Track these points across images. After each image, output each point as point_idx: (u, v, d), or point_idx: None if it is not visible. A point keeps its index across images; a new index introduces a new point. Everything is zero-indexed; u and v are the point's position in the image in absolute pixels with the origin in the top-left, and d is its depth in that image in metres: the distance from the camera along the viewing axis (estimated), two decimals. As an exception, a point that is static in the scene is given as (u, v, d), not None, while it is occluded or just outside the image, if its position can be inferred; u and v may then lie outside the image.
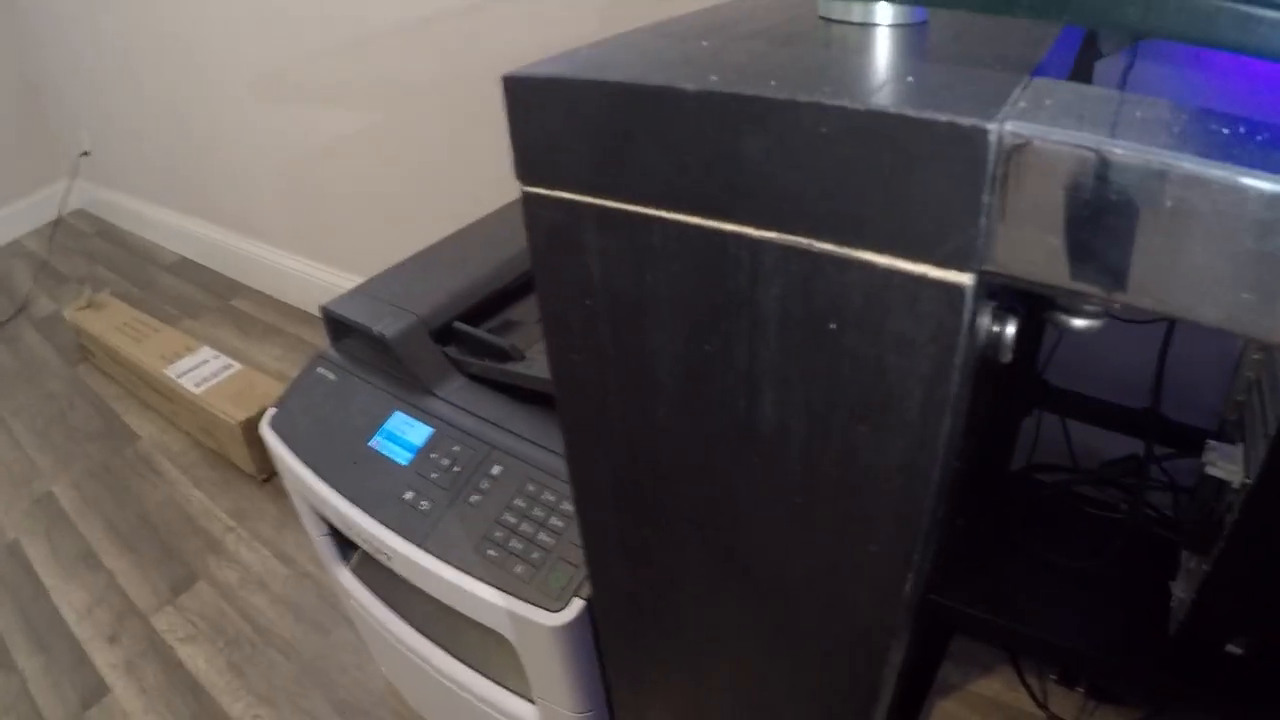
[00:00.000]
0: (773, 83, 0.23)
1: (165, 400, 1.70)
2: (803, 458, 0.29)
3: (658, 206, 0.26)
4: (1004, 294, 0.25)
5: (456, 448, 0.72)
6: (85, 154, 2.78)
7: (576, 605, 0.59)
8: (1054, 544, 0.95)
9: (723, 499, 0.32)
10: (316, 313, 2.05)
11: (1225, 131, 0.21)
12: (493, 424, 0.75)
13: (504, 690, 0.76)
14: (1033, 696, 1.08)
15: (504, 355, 0.79)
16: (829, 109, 0.22)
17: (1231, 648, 0.76)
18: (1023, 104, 0.22)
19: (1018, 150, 0.21)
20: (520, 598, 0.61)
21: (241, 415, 1.47)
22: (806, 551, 0.32)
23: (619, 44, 0.29)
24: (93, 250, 2.69)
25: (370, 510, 0.70)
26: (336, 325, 0.87)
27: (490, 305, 0.88)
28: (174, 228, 2.51)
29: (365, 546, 0.73)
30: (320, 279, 2.00)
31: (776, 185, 0.24)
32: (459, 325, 0.83)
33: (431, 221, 1.60)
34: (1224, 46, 0.21)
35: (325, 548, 0.89)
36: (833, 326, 0.25)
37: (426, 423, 0.75)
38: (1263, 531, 0.66)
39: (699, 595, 0.38)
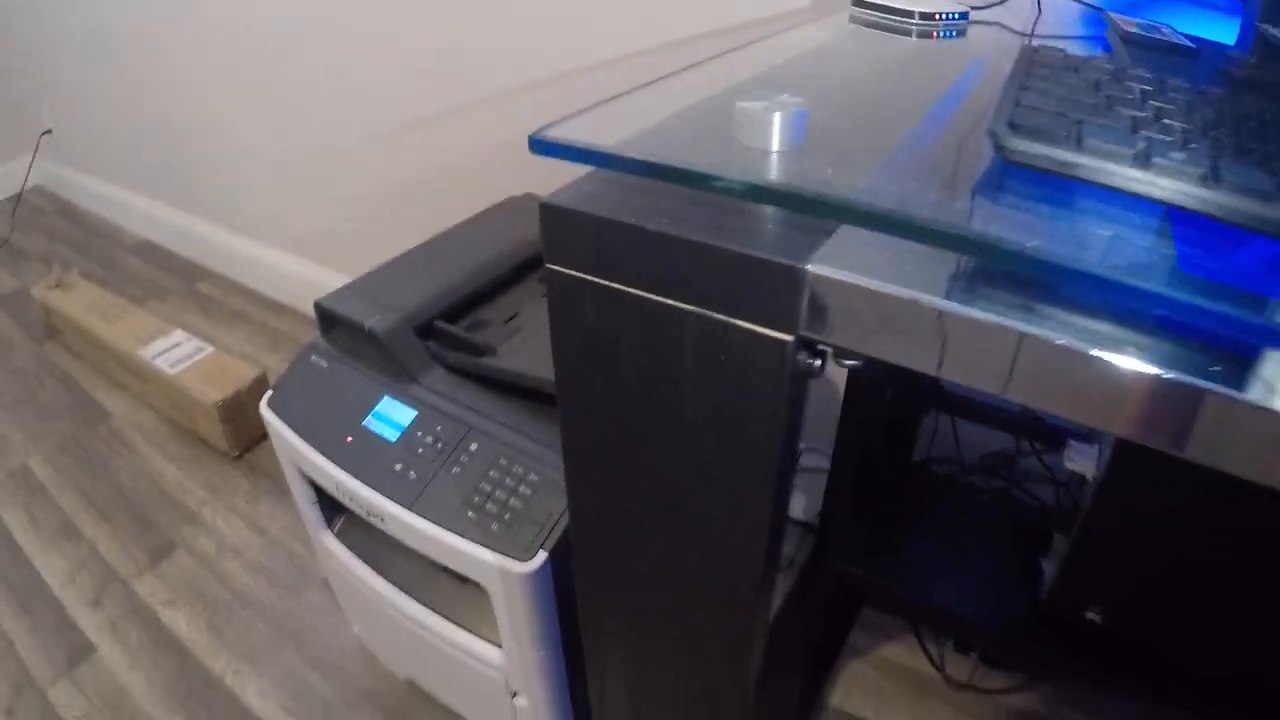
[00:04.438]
0: (696, 229, 0.38)
1: (138, 380, 1.78)
2: (710, 431, 0.43)
3: (628, 285, 0.41)
4: (812, 344, 0.40)
5: (439, 427, 0.85)
6: (47, 132, 2.81)
7: (542, 556, 0.73)
8: (948, 528, 1.11)
9: (666, 461, 0.47)
10: (284, 300, 2.16)
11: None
12: (469, 408, 0.87)
13: (474, 637, 0.89)
14: (931, 661, 1.23)
15: (478, 351, 0.92)
16: (724, 250, 0.37)
17: (1091, 615, 0.92)
18: (824, 250, 0.36)
19: (814, 278, 0.35)
20: (497, 550, 0.74)
21: (217, 395, 1.57)
22: (714, 494, 0.46)
23: (599, 186, 0.43)
24: (53, 229, 2.72)
25: (366, 480, 0.83)
26: (328, 318, 0.99)
27: (464, 305, 1.00)
28: (138, 210, 2.57)
29: (360, 511, 0.85)
30: (289, 269, 2.09)
31: (695, 282, 0.39)
32: (439, 323, 0.95)
33: (403, 224, 1.71)
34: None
35: (313, 514, 1.00)
36: (723, 358, 0.40)
37: (412, 405, 0.88)
38: (1110, 517, 0.82)
39: (646, 531, 0.53)
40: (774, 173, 0.36)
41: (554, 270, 0.42)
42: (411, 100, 1.51)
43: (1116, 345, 0.29)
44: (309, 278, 2.04)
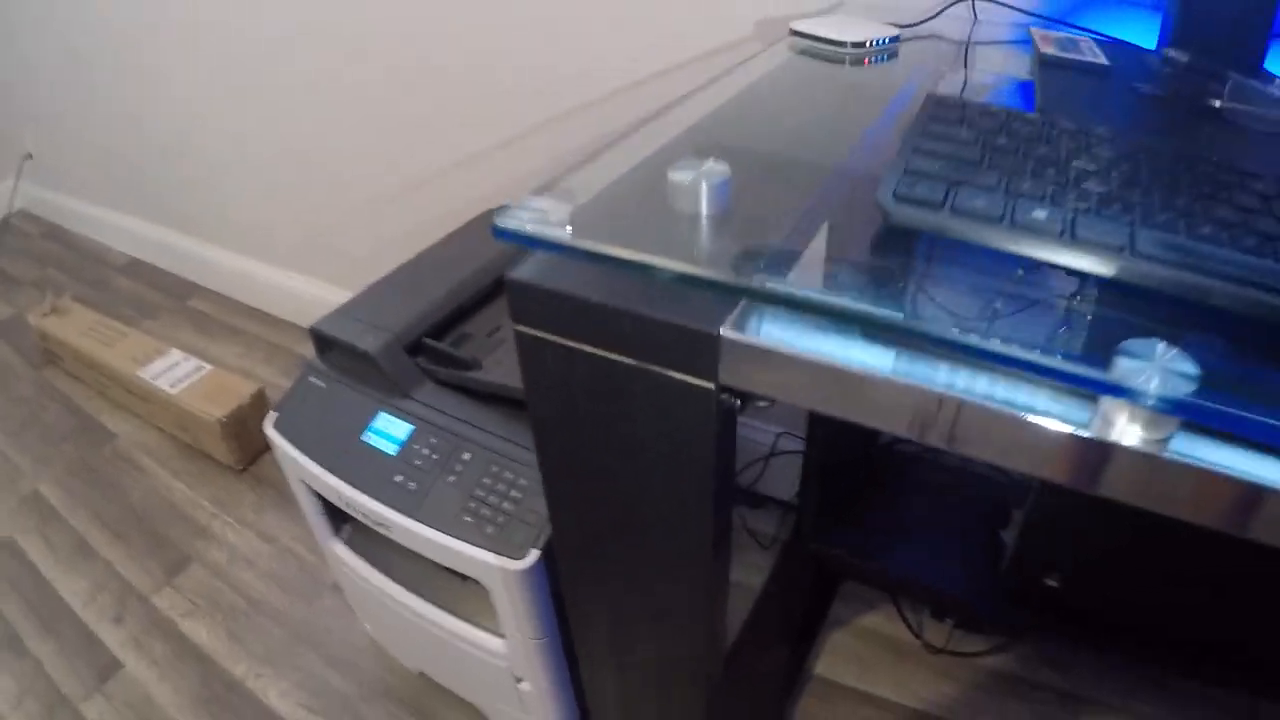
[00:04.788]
0: (632, 299, 0.44)
1: (140, 400, 1.84)
2: (658, 458, 0.51)
3: (581, 344, 0.48)
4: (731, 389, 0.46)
5: (434, 440, 0.92)
6: (29, 156, 2.84)
7: (534, 554, 0.81)
8: (915, 504, 1.18)
9: (624, 482, 0.55)
10: (275, 312, 2.21)
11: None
12: (460, 420, 0.94)
13: (478, 629, 0.96)
14: (909, 628, 1.30)
15: (465, 365, 0.98)
16: (654, 318, 0.44)
17: (1050, 582, 0.99)
18: (734, 318, 0.43)
19: (726, 340, 0.42)
20: (492, 550, 0.82)
21: (220, 412, 1.63)
22: (666, 507, 0.54)
23: (555, 259, 0.50)
24: (42, 253, 2.76)
25: (370, 492, 0.90)
26: (323, 341, 1.05)
27: (450, 321, 1.06)
28: (124, 229, 2.60)
29: (366, 520, 0.92)
30: (278, 281, 2.14)
31: (634, 341, 0.46)
32: (426, 340, 1.02)
33: (390, 232, 1.77)
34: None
35: (321, 524, 1.07)
36: (662, 401, 0.47)
37: (408, 420, 0.94)
38: (1060, 491, 0.89)
39: (614, 538, 0.60)
40: (692, 255, 0.43)
41: (519, 330, 0.49)
42: (400, 105, 1.55)
43: (995, 391, 0.36)
44: (298, 289, 2.10)
